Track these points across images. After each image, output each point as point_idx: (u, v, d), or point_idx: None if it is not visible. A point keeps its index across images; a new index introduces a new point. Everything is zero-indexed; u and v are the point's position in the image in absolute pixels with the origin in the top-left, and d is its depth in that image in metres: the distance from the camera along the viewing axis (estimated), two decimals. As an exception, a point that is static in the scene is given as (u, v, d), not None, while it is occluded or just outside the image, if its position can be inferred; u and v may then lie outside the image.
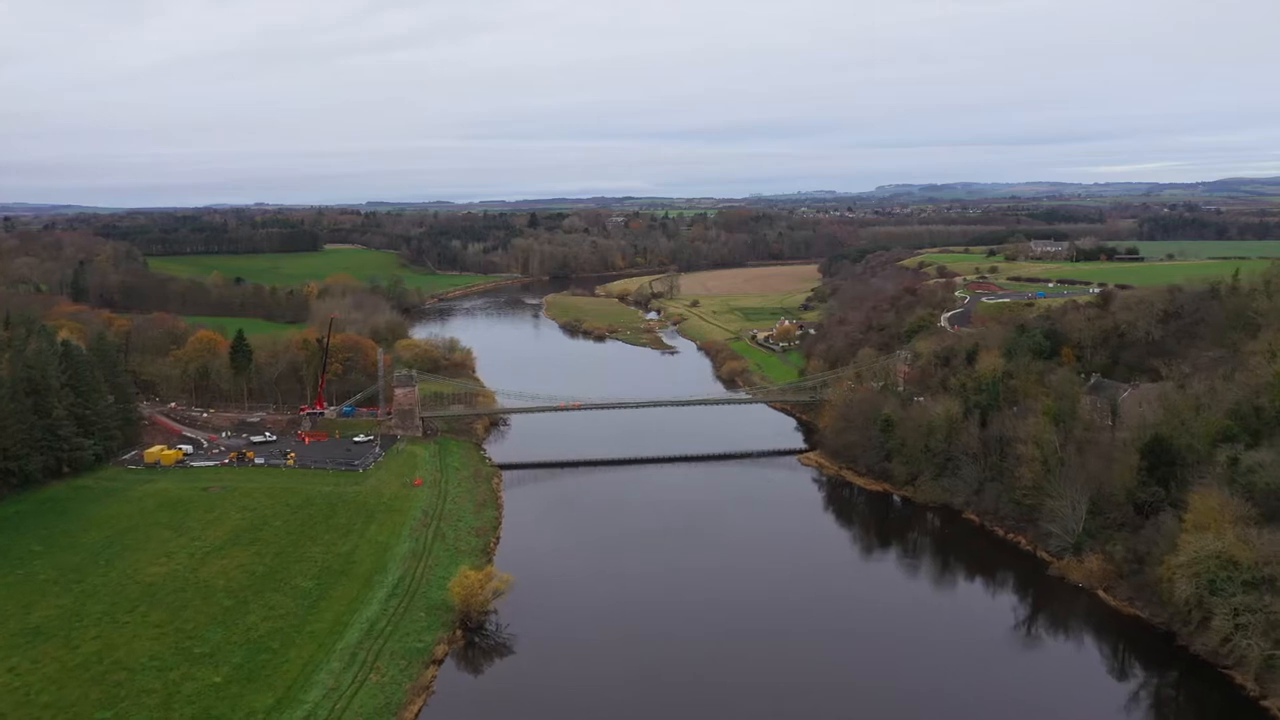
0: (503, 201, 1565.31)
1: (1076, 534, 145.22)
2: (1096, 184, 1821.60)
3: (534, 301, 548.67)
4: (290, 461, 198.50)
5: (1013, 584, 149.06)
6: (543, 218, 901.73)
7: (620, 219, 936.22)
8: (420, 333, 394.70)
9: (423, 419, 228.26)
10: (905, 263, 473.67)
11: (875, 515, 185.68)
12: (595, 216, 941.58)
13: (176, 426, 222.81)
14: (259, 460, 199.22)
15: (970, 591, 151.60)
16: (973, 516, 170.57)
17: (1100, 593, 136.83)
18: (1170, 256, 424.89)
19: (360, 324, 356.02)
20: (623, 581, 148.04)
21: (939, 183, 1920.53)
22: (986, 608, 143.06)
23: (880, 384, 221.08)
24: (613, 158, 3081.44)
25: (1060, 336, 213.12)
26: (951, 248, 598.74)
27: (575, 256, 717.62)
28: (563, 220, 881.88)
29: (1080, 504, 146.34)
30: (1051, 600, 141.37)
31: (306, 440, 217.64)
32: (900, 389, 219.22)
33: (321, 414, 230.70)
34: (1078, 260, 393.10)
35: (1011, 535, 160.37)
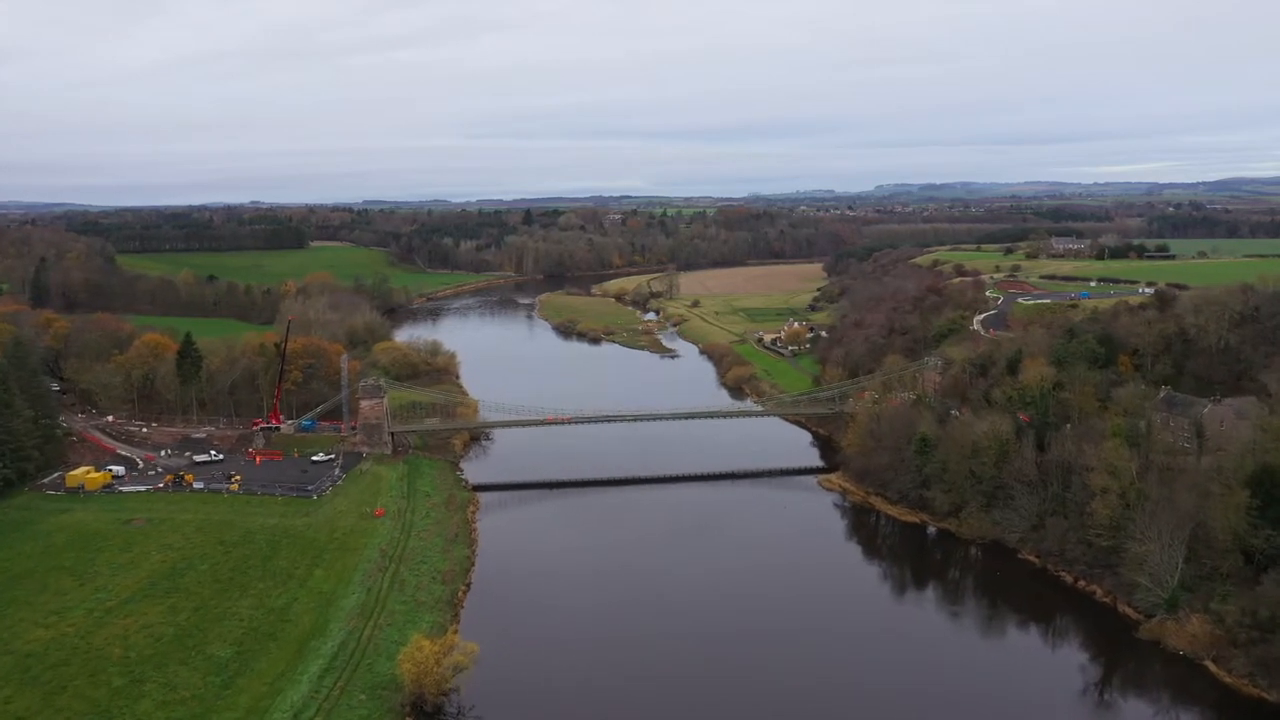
0: (500, 200, 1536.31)
1: (1171, 587, 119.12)
2: (1096, 183, 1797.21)
3: (527, 301, 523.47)
4: (234, 486, 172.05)
5: (1090, 644, 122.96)
6: (538, 215, 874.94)
7: (618, 217, 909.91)
8: (404, 334, 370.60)
9: (392, 434, 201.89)
10: (917, 261, 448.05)
11: (913, 552, 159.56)
12: (592, 214, 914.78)
13: (110, 444, 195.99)
14: (198, 484, 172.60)
15: (1033, 649, 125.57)
16: (1032, 557, 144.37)
17: (1209, 664, 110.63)
18: (1202, 254, 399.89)
19: (336, 325, 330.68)
20: (617, 642, 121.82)
21: (938, 182, 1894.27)
22: (1056, 673, 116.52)
23: (913, 396, 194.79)
24: (611, 157, 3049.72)
25: (1116, 342, 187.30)
26: (963, 246, 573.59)
27: (571, 255, 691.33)
28: (559, 217, 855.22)
29: (1174, 549, 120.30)
30: (1142, 669, 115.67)
31: (257, 460, 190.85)
32: (930, 400, 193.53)
33: (276, 429, 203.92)
34: (1108, 258, 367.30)
35: (1084, 583, 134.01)
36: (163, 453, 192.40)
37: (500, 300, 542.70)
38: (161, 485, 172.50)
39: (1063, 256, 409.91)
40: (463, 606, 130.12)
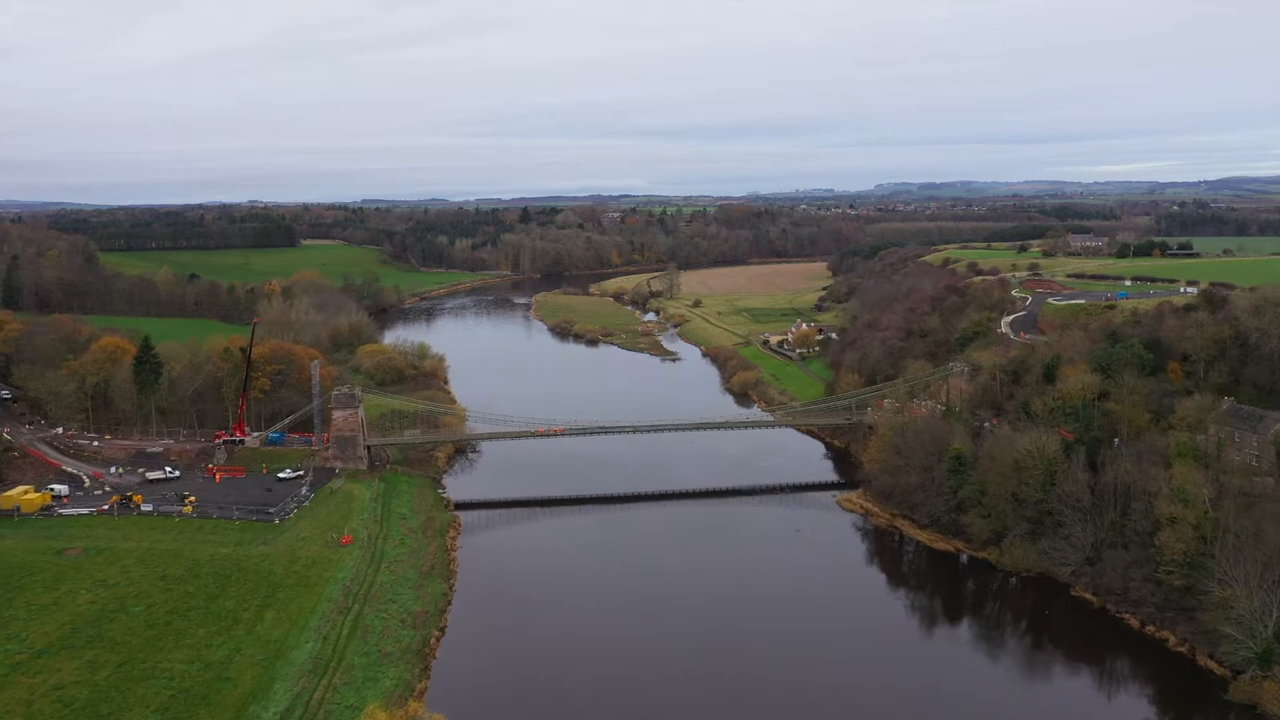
0: (499, 200, 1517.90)
1: (1265, 639, 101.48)
2: (1096, 182, 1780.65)
3: (523, 301, 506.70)
4: (187, 508, 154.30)
5: (1163, 701, 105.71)
6: (536, 213, 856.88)
7: (616, 215, 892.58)
8: (393, 336, 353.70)
9: (368, 447, 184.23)
10: (928, 259, 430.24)
11: (947, 584, 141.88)
12: (590, 212, 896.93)
13: (55, 459, 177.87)
14: (147, 506, 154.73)
15: (1091, 702, 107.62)
16: (1087, 594, 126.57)
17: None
18: (1227, 252, 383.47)
19: (319, 327, 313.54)
20: (614, 703, 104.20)
21: (938, 181, 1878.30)
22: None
23: (941, 406, 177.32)
24: (612, 155, 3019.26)
25: (1165, 347, 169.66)
26: (973, 244, 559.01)
27: (569, 253, 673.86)
28: (556, 215, 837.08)
29: (1267, 593, 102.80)
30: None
31: (217, 477, 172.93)
32: (957, 411, 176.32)
33: (241, 442, 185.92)
34: (1133, 256, 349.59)
35: (1153, 629, 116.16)
36: (112, 469, 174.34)
37: (495, 300, 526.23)
38: (106, 507, 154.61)
39: (1080, 255, 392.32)
40: (435, 657, 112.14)
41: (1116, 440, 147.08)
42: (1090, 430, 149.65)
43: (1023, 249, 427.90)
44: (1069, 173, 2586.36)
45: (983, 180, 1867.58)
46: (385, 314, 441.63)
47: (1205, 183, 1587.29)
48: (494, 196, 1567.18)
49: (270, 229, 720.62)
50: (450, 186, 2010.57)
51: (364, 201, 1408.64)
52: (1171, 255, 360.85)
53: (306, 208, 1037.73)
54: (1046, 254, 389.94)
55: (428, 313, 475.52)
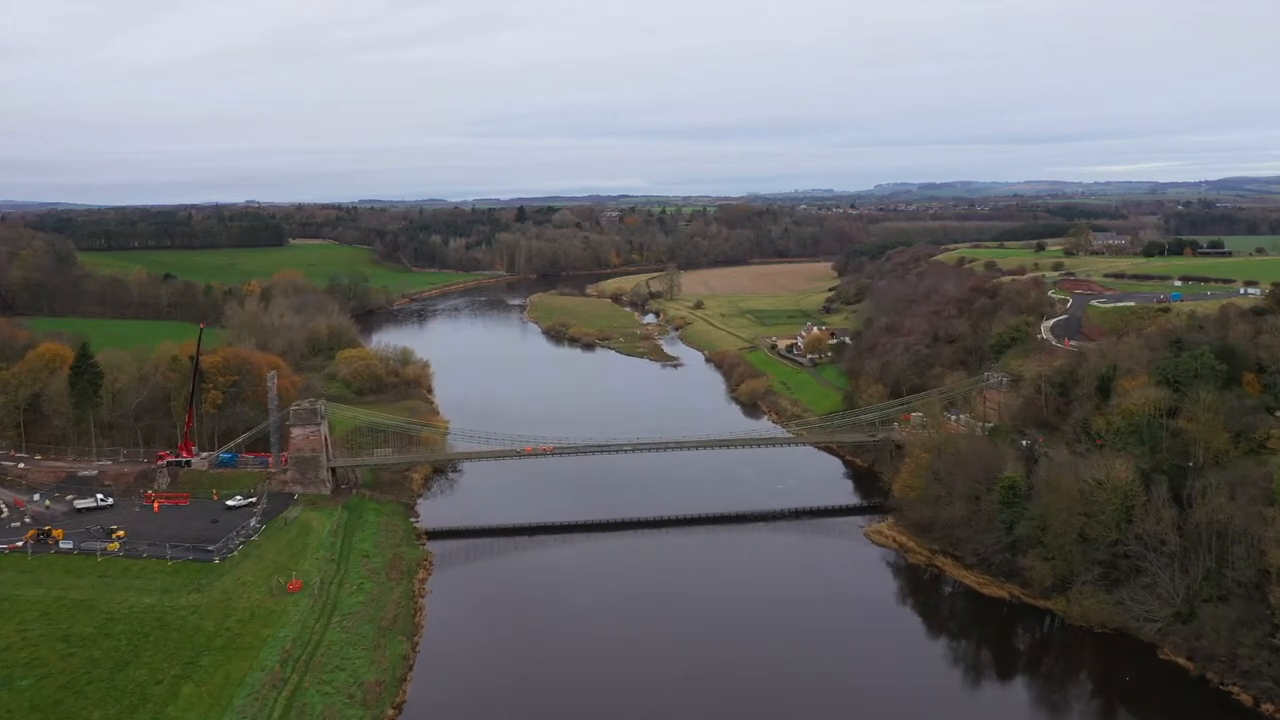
0: (497, 200, 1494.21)
1: None
2: (1097, 183, 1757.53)
3: (517, 302, 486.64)
4: (114, 545, 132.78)
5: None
6: (532, 212, 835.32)
7: (615, 214, 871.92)
8: (379, 339, 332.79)
9: (333, 469, 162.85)
10: (941, 259, 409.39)
11: (1001, 637, 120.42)
12: (588, 211, 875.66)
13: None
14: (67, 543, 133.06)
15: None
16: (1180, 659, 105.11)
17: None
18: (1260, 250, 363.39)
19: (296, 330, 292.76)
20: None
21: (938, 181, 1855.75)
22: None
23: (986, 425, 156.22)
24: (611, 155, 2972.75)
25: (1237, 356, 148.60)
26: (983, 243, 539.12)
27: (565, 253, 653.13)
28: (553, 214, 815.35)
29: None
30: None
31: (156, 506, 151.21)
32: (1004, 430, 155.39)
33: (187, 464, 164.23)
34: (1167, 254, 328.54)
35: (1272, 709, 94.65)
36: (36, 496, 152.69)
37: (489, 301, 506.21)
38: (20, 544, 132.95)
39: (1103, 254, 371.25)
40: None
41: (1191, 464, 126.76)
42: (1158, 452, 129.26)
43: (1040, 248, 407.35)
44: (1069, 173, 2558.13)
45: (983, 180, 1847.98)
46: (372, 316, 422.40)
47: (1206, 183, 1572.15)
48: (492, 196, 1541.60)
49: (257, 228, 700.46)
50: (449, 187, 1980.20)
51: (361, 201, 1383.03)
52: (1203, 254, 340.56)
53: (299, 207, 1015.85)
54: (1068, 252, 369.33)
55: (418, 314, 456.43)
